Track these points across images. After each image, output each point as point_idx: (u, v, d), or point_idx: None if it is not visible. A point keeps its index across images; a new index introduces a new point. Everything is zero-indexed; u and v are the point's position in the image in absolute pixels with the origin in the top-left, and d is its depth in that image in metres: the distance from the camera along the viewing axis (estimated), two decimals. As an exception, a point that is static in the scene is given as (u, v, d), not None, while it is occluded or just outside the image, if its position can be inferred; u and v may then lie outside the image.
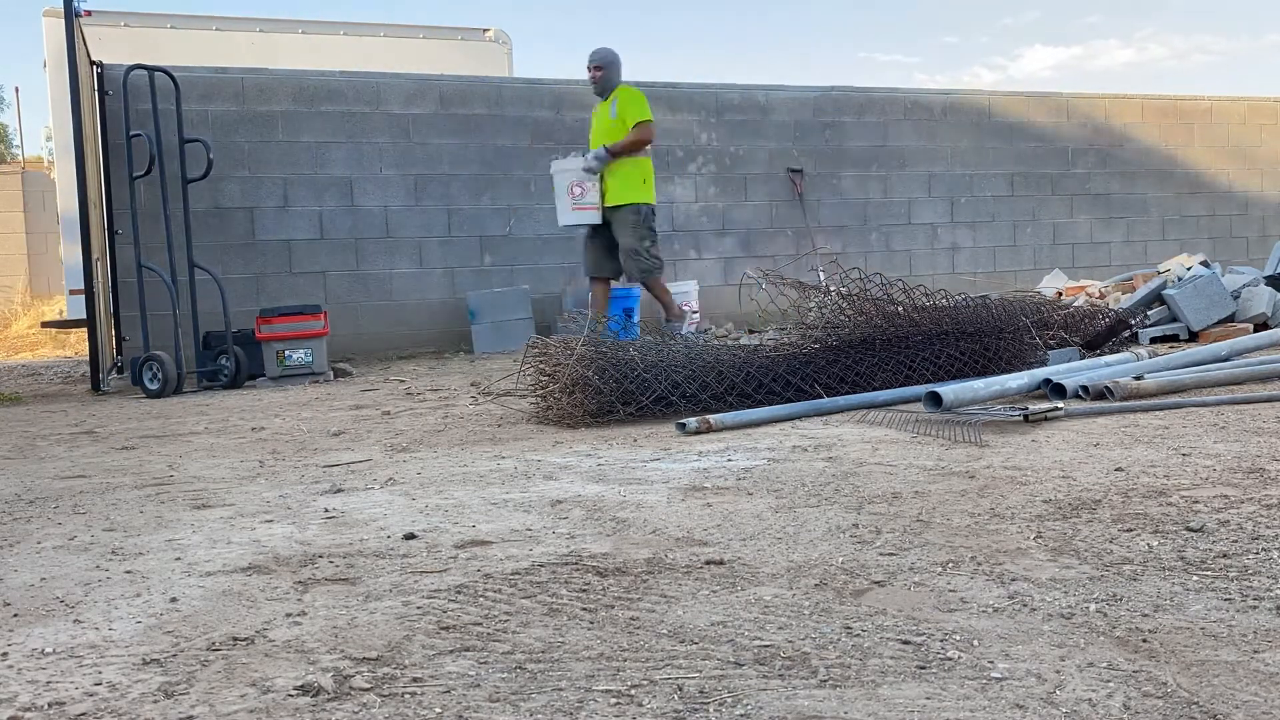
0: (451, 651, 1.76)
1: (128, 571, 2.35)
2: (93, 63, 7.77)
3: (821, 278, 8.05)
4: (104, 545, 2.61)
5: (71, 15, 6.84)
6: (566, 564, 2.27)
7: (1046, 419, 3.84)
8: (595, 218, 7.33)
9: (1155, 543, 2.26)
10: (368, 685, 1.63)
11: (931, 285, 5.64)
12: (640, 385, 4.35)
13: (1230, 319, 6.52)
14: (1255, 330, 6.22)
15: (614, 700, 1.55)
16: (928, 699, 1.52)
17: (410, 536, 2.56)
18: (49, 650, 1.85)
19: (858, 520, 2.55)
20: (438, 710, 1.53)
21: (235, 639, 1.86)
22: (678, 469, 3.32)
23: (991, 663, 1.64)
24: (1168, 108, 11.59)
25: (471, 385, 6.12)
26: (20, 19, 51.52)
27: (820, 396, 4.52)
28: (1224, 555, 2.15)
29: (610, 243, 7.38)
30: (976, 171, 10.70)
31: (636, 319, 8.17)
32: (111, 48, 8.48)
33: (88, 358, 7.31)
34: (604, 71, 7.43)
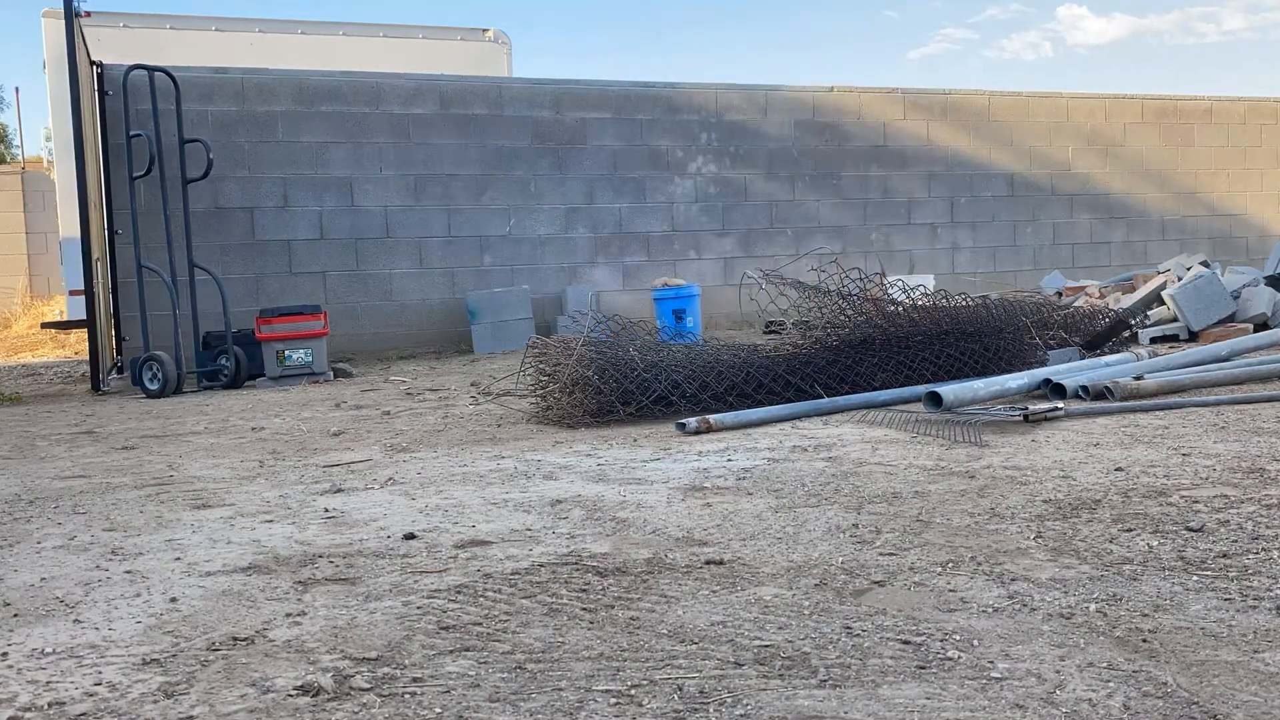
0: (451, 651, 1.76)
1: (128, 571, 2.35)
2: (93, 63, 7.77)
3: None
4: (104, 545, 2.61)
5: (71, 15, 6.84)
6: (566, 564, 2.27)
7: (1046, 419, 3.84)
8: None
9: (1155, 543, 2.26)
10: (368, 685, 1.63)
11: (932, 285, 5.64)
12: (640, 385, 4.35)
13: (1230, 319, 6.52)
14: (1255, 330, 6.22)
15: (614, 700, 1.55)
16: (928, 699, 1.52)
17: (410, 536, 2.56)
18: (49, 650, 1.85)
19: (858, 520, 2.55)
20: (438, 710, 1.53)
21: (235, 639, 1.86)
22: (678, 469, 3.32)
23: (991, 663, 1.64)
24: (1167, 108, 11.59)
25: (471, 385, 6.12)
26: (20, 19, 51.42)
27: (820, 396, 4.52)
28: (1224, 555, 2.15)
29: None
30: (976, 171, 10.69)
31: (691, 322, 8.13)
32: (111, 48, 8.47)
33: (88, 358, 7.31)
34: None
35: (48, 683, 1.70)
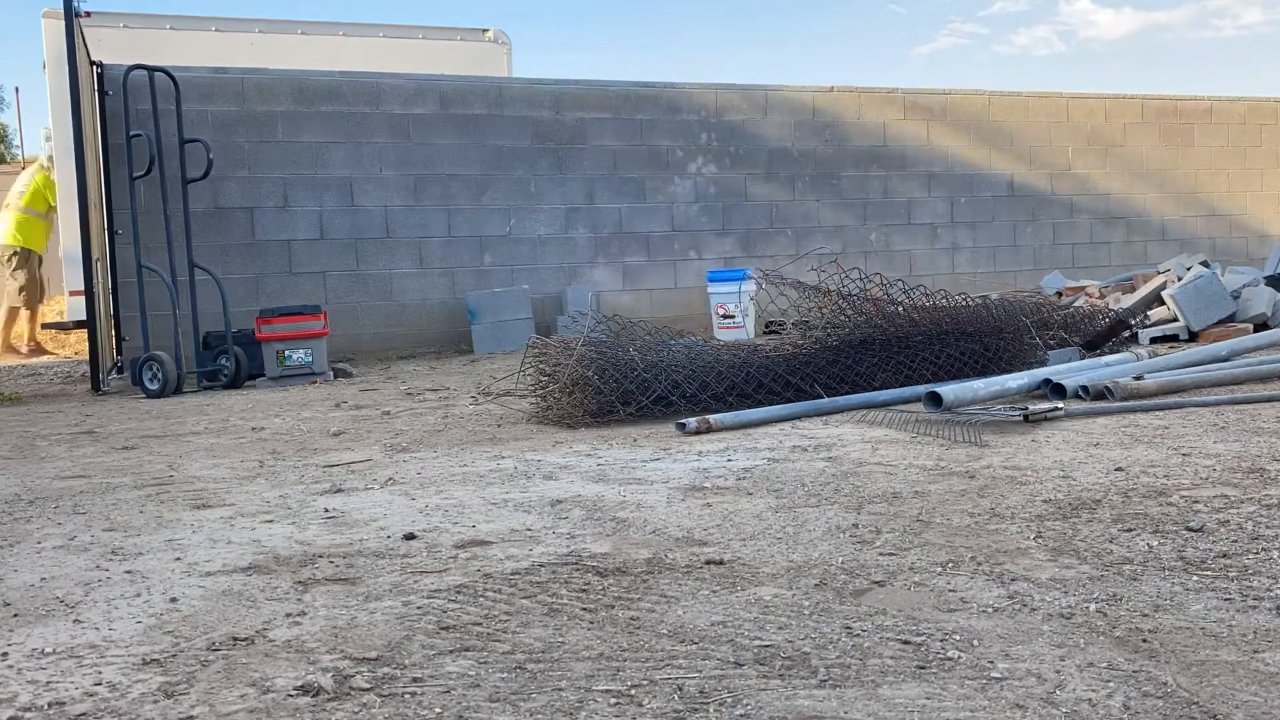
0: (451, 651, 1.76)
1: (128, 571, 2.35)
2: (93, 63, 7.77)
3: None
4: (104, 545, 2.61)
5: (71, 15, 6.84)
6: (566, 564, 2.27)
7: (1046, 419, 3.84)
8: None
9: (1155, 543, 2.26)
10: (368, 685, 1.63)
11: (931, 285, 5.64)
12: (640, 385, 4.35)
13: (1230, 319, 6.52)
14: (1255, 330, 6.22)
15: (614, 700, 1.55)
16: (928, 699, 1.52)
17: (410, 536, 2.56)
18: (49, 650, 1.85)
19: (858, 520, 2.55)
20: (438, 710, 1.54)
21: (235, 639, 1.86)
22: (678, 469, 3.32)
23: (991, 663, 1.64)
24: (1168, 108, 11.58)
25: (472, 385, 6.12)
26: (20, 19, 51.38)
27: (820, 396, 4.52)
28: (1224, 555, 2.15)
29: None
30: (976, 172, 10.69)
31: None
32: (111, 48, 8.47)
33: (88, 358, 7.30)
34: None
35: (48, 683, 1.70)
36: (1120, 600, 1.91)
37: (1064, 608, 1.88)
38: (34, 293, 10.50)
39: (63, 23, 7.08)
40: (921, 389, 4.36)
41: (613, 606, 1.97)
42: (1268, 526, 2.34)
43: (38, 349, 10.87)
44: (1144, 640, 1.71)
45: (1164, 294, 6.63)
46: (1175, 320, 6.52)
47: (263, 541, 2.58)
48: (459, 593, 2.09)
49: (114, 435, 4.79)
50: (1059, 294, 7.95)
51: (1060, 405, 3.93)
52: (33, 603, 2.14)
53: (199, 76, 8.08)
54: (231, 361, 6.92)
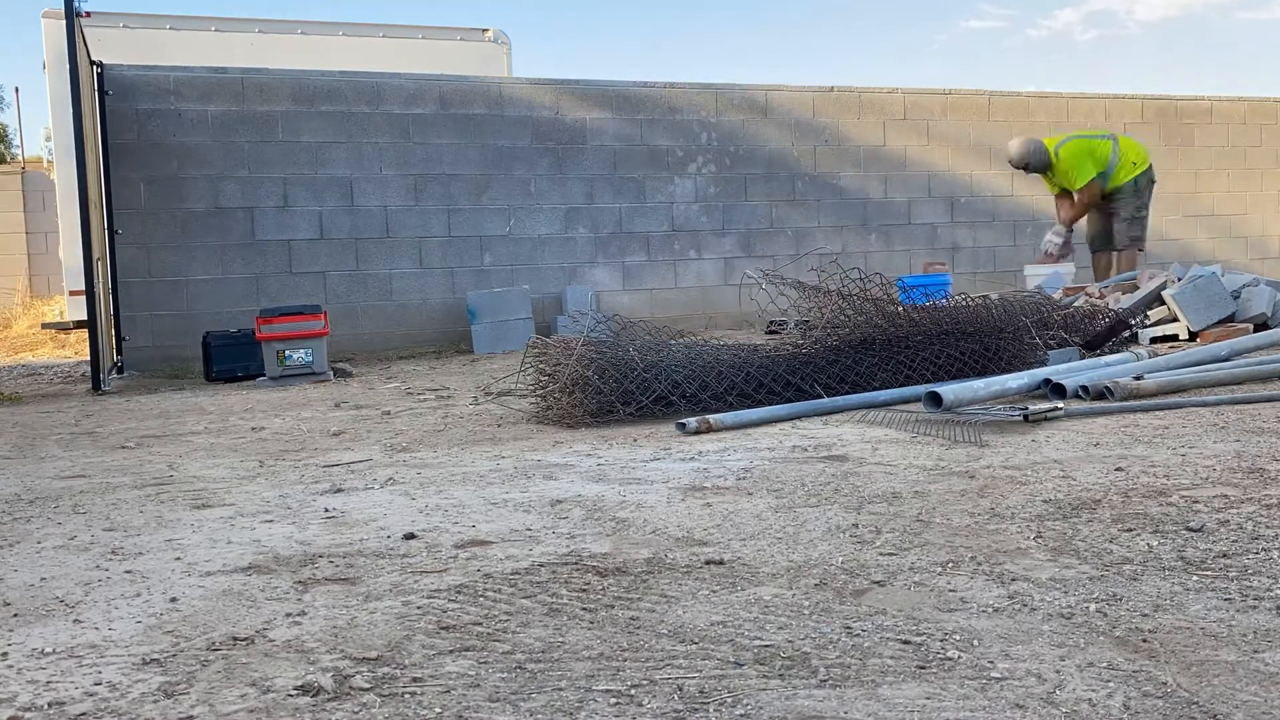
0: (451, 651, 1.76)
1: (128, 571, 2.35)
2: (93, 63, 7.77)
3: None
4: (104, 545, 2.61)
5: (71, 15, 6.84)
6: (566, 564, 2.27)
7: (1046, 419, 3.84)
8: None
9: (1155, 543, 2.26)
10: (368, 685, 1.63)
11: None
12: (640, 385, 4.35)
13: (1230, 319, 6.51)
14: (1255, 330, 6.21)
15: (614, 700, 1.55)
16: (928, 699, 1.52)
17: (410, 536, 2.56)
18: (49, 650, 1.85)
19: (858, 520, 2.55)
20: (438, 710, 1.54)
21: (235, 639, 1.86)
22: (678, 469, 3.32)
23: (991, 663, 1.64)
24: (1167, 108, 11.58)
25: (472, 385, 6.12)
26: (20, 19, 51.32)
27: (820, 396, 4.52)
28: (1224, 555, 2.15)
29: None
30: (976, 171, 10.68)
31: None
32: (111, 48, 8.47)
33: (88, 358, 7.30)
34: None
35: (48, 682, 1.70)
36: (1120, 600, 1.91)
37: (1064, 608, 1.88)
38: None
39: (63, 23, 7.08)
40: (921, 389, 4.36)
41: (613, 606, 1.97)
42: (1268, 526, 2.34)
43: None
44: (1144, 640, 1.71)
45: (1164, 294, 6.63)
46: (1175, 320, 6.52)
47: (263, 541, 2.58)
48: (459, 593, 2.09)
49: (114, 435, 4.78)
50: (1059, 293, 7.95)
51: (1060, 405, 3.93)
52: (33, 603, 2.14)
53: (199, 76, 8.08)
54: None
